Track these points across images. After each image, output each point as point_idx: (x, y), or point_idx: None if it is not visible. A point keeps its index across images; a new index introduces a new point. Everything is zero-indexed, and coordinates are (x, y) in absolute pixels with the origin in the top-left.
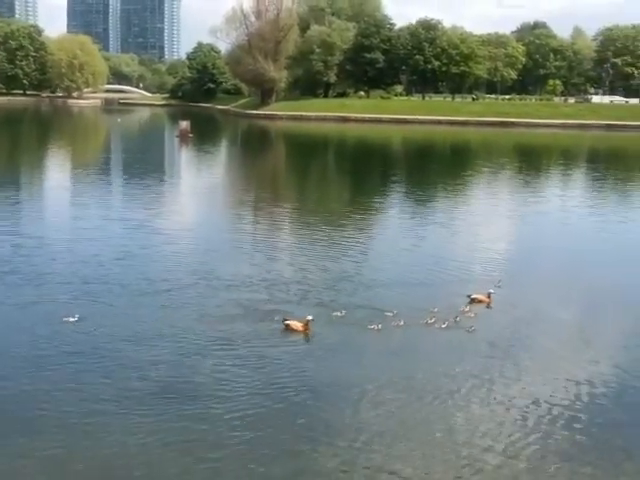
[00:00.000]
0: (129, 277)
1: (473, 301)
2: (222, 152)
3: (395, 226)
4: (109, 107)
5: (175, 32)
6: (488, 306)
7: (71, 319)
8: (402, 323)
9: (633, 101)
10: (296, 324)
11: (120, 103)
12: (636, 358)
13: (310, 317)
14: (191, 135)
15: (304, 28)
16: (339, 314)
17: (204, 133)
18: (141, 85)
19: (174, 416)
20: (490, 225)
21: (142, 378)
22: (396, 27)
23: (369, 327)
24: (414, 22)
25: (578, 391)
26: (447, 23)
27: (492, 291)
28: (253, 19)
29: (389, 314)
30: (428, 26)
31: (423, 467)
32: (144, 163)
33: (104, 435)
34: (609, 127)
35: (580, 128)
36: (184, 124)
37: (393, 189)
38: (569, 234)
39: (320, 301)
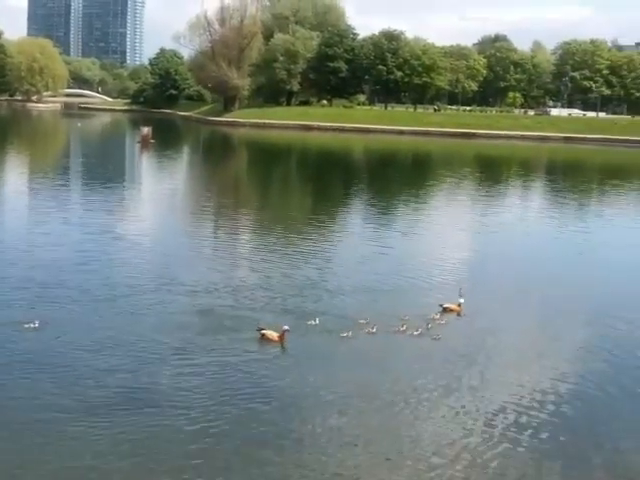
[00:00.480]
0: (90, 283)
1: (445, 310)
2: (184, 159)
3: (359, 234)
4: (69, 111)
5: (138, 37)
6: (459, 314)
7: (31, 325)
8: (375, 330)
9: (590, 114)
10: (272, 334)
11: (80, 107)
12: (596, 361)
13: (286, 327)
14: (153, 141)
15: (268, 36)
16: (313, 322)
17: (166, 139)
18: (99, 89)
19: (133, 426)
20: (453, 234)
21: (100, 387)
22: (359, 37)
23: (342, 335)
24: (377, 32)
25: (543, 400)
26: (410, 34)
27: (462, 300)
28: (217, 26)
29: (362, 321)
30: (391, 37)
31: (390, 477)
32: (105, 169)
33: (58, 446)
34: (567, 140)
35: (539, 140)
36: (145, 130)
37: (356, 198)
38: (531, 243)
39: (290, 309)
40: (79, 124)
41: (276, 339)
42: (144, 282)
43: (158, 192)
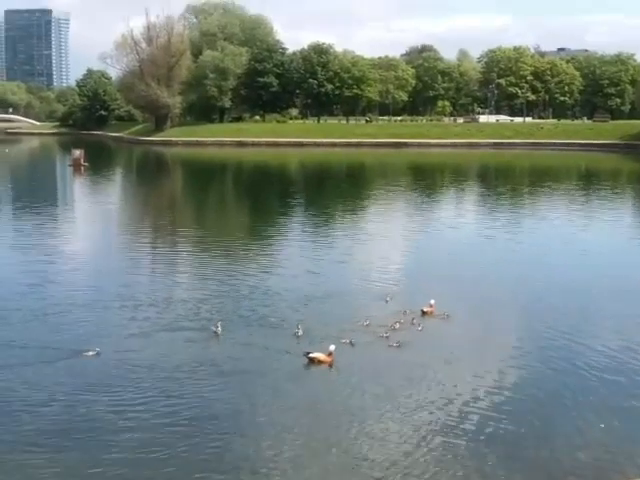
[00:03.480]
0: (40, 304)
1: (424, 313)
2: (118, 180)
3: (312, 245)
4: None
5: (63, 58)
6: (432, 315)
7: None
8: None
9: (518, 120)
10: (322, 356)
11: (7, 133)
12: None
13: (333, 347)
14: (85, 164)
15: (197, 53)
16: (299, 332)
17: (98, 161)
18: (12, 110)
19: (69, 453)
20: (407, 240)
21: (39, 414)
22: (288, 51)
23: (341, 341)
24: (306, 46)
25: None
26: (338, 47)
27: (433, 301)
28: (144, 45)
29: (365, 323)
30: (320, 50)
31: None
32: (37, 194)
33: None
34: (496, 145)
35: (469, 147)
36: (77, 153)
37: (300, 212)
38: (487, 248)
39: (272, 320)
40: (7, 150)
41: (328, 359)
42: (91, 301)
43: (95, 214)
